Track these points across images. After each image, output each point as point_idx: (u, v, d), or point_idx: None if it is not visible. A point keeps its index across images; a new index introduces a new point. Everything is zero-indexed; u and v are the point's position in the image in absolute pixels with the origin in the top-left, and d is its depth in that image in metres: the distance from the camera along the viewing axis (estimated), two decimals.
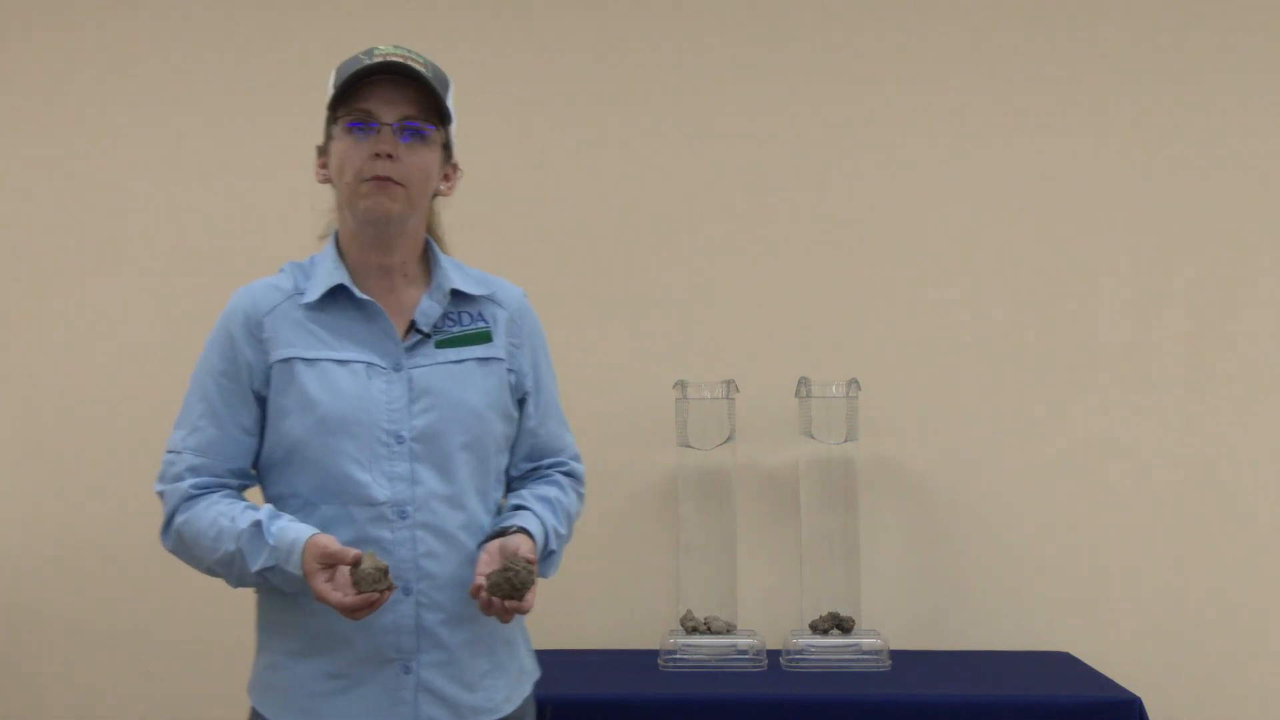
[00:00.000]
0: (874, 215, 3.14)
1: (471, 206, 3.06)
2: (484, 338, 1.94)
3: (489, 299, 1.98)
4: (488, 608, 1.80)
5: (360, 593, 1.72)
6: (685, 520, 2.96)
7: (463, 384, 1.90)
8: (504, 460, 1.99)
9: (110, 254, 3.21)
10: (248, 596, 3.01)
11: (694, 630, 2.88)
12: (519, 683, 2.00)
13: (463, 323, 1.94)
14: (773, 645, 2.88)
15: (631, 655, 2.93)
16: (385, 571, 1.73)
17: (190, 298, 3.16)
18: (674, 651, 2.81)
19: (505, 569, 1.78)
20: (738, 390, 2.95)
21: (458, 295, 1.95)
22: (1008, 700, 2.55)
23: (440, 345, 1.91)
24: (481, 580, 1.80)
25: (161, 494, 1.90)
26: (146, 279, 3.19)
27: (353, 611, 1.73)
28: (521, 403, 2.00)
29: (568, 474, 2.06)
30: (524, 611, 1.81)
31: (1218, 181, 3.12)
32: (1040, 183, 3.14)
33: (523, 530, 1.88)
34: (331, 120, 1.89)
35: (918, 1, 3.17)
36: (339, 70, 1.88)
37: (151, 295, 3.19)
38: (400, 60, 1.84)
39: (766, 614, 3.01)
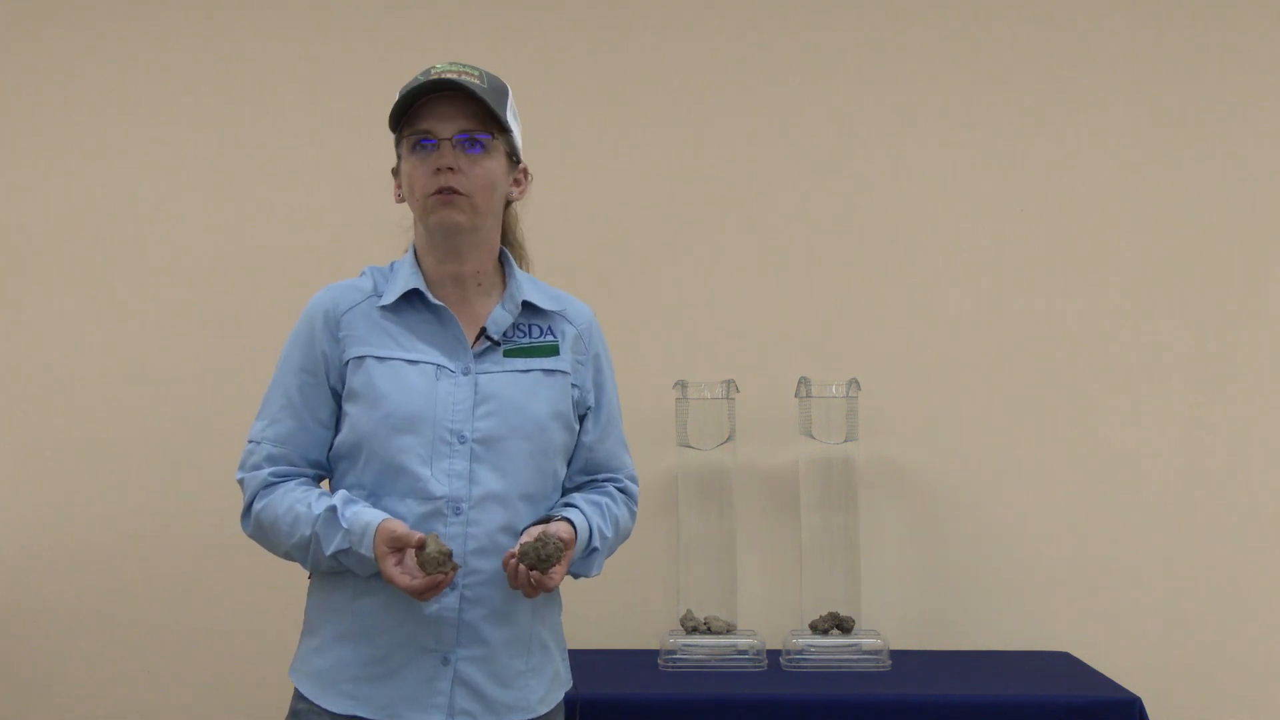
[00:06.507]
0: (874, 216, 3.15)
1: None
2: (551, 351, 2.01)
3: (559, 314, 2.05)
4: (514, 577, 1.86)
5: (427, 574, 1.80)
6: (685, 520, 2.96)
7: (527, 392, 1.96)
8: (563, 469, 2.04)
9: (112, 255, 3.20)
10: (249, 599, 3.04)
11: (694, 630, 2.88)
12: (553, 688, 2.03)
13: (532, 335, 2.02)
14: (773, 645, 2.88)
15: (631, 655, 2.93)
16: (449, 555, 1.82)
17: (191, 299, 3.18)
18: (674, 651, 2.81)
19: (537, 540, 1.86)
20: (738, 390, 2.95)
21: (529, 308, 2.02)
22: (1008, 700, 2.54)
23: (508, 355, 1.98)
24: (515, 550, 1.87)
25: (241, 481, 1.98)
26: (148, 280, 3.19)
27: (420, 594, 1.82)
28: (582, 418, 2.07)
29: (621, 490, 2.11)
30: (548, 588, 1.87)
31: (1221, 183, 3.12)
32: (1040, 183, 3.14)
33: (566, 520, 1.95)
34: (398, 142, 1.98)
35: (917, 2, 3.17)
36: (400, 93, 1.96)
37: (152, 296, 3.19)
38: (453, 76, 1.92)
39: (766, 614, 3.02)
